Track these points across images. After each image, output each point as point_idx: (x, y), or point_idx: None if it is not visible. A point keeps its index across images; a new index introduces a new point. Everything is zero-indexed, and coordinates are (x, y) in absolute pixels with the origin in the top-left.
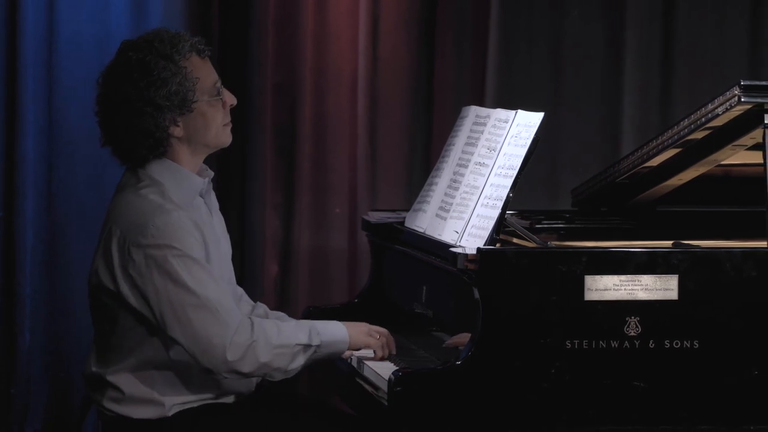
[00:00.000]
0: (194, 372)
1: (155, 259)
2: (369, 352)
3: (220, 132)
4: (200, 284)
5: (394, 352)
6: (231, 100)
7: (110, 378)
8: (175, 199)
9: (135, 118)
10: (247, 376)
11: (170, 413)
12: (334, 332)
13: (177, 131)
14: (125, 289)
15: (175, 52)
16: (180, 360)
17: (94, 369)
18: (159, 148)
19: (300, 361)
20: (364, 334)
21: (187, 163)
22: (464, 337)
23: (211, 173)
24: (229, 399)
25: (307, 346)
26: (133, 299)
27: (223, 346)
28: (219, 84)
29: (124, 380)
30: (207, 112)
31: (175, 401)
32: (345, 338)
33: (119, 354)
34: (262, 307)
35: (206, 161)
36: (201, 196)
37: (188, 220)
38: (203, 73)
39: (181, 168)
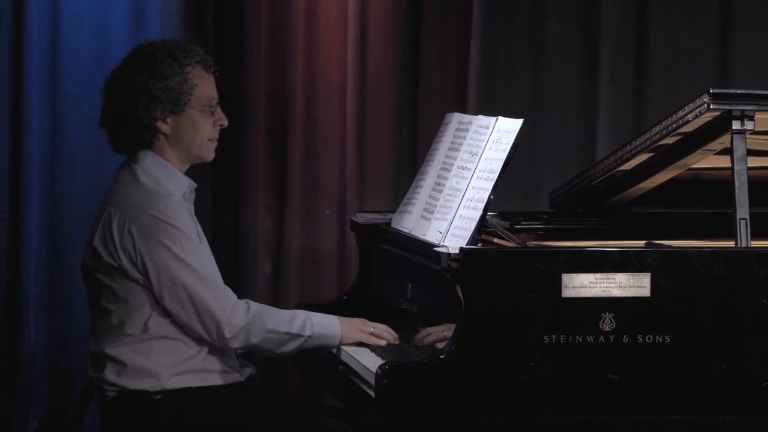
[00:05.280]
0: (190, 345)
1: (156, 235)
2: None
3: (204, 144)
4: (198, 261)
5: (397, 343)
6: (223, 120)
7: (110, 352)
8: (170, 189)
9: (129, 100)
10: (236, 350)
11: (167, 386)
12: (329, 326)
13: (164, 128)
14: (126, 263)
15: (183, 57)
16: (178, 332)
17: (94, 348)
18: (145, 135)
19: (290, 347)
20: (357, 330)
21: (173, 165)
22: (440, 333)
23: (195, 184)
24: (221, 380)
25: (297, 336)
26: (134, 272)
27: (220, 322)
28: (216, 102)
29: (125, 352)
30: (197, 119)
31: (172, 372)
32: (337, 333)
33: (120, 330)
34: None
35: (200, 169)
36: (185, 199)
37: (183, 207)
38: (203, 85)
39: (170, 166)
